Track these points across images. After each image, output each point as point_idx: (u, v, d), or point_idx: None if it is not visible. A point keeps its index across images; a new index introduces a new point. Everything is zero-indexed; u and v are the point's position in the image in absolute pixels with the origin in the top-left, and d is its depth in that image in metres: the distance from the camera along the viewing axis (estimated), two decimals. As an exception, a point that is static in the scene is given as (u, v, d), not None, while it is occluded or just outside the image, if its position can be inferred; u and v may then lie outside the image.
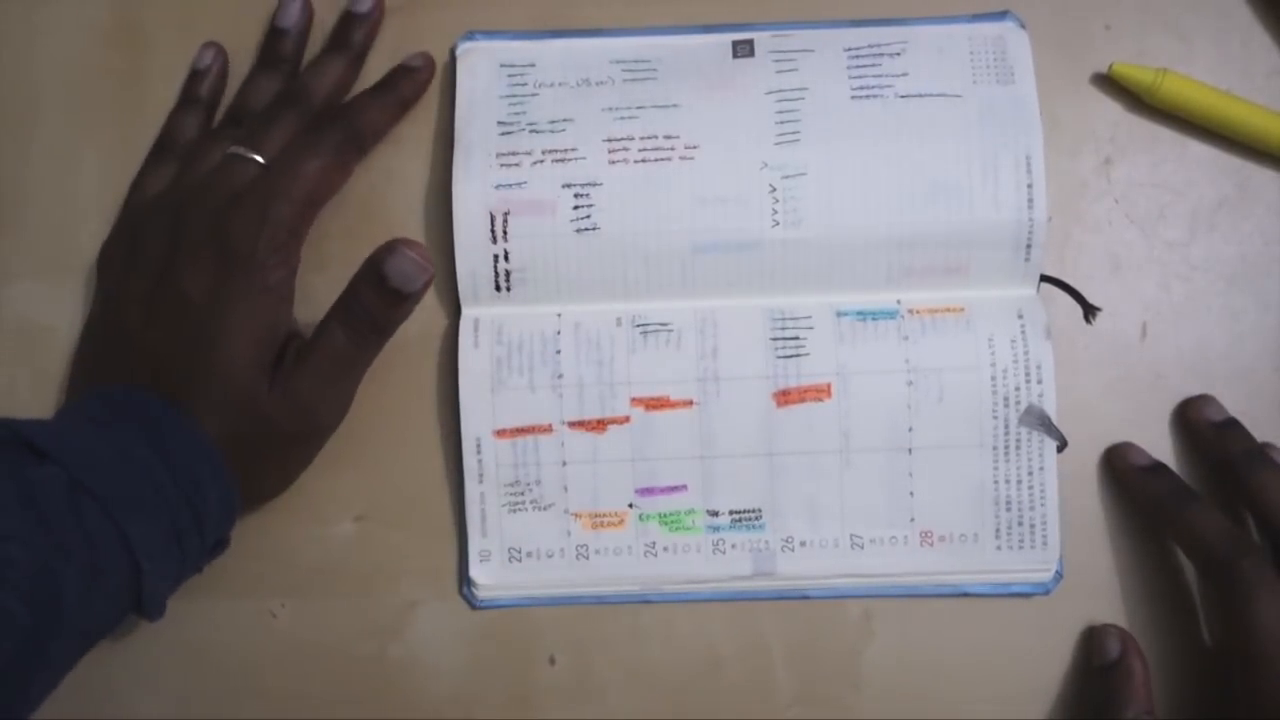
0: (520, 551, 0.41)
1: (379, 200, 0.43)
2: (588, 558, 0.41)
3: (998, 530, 0.41)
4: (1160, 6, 0.44)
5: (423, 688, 0.41)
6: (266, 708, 0.41)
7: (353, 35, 0.43)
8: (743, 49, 0.43)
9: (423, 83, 0.43)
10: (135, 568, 0.34)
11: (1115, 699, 0.39)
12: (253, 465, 0.38)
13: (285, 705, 0.41)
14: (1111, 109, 0.44)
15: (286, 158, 0.40)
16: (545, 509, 0.41)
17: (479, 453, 0.41)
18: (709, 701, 0.41)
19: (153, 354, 0.38)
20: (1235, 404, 0.42)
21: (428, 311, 0.41)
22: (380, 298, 0.37)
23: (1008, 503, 0.41)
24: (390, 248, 0.37)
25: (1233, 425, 0.41)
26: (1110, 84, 0.44)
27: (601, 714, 0.41)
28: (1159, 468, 0.41)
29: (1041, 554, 0.41)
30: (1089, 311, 0.43)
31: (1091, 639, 0.41)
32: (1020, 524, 0.41)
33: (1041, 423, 0.40)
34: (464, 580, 0.42)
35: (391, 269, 0.37)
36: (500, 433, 0.41)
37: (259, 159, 0.40)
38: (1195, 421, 0.42)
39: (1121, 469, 0.42)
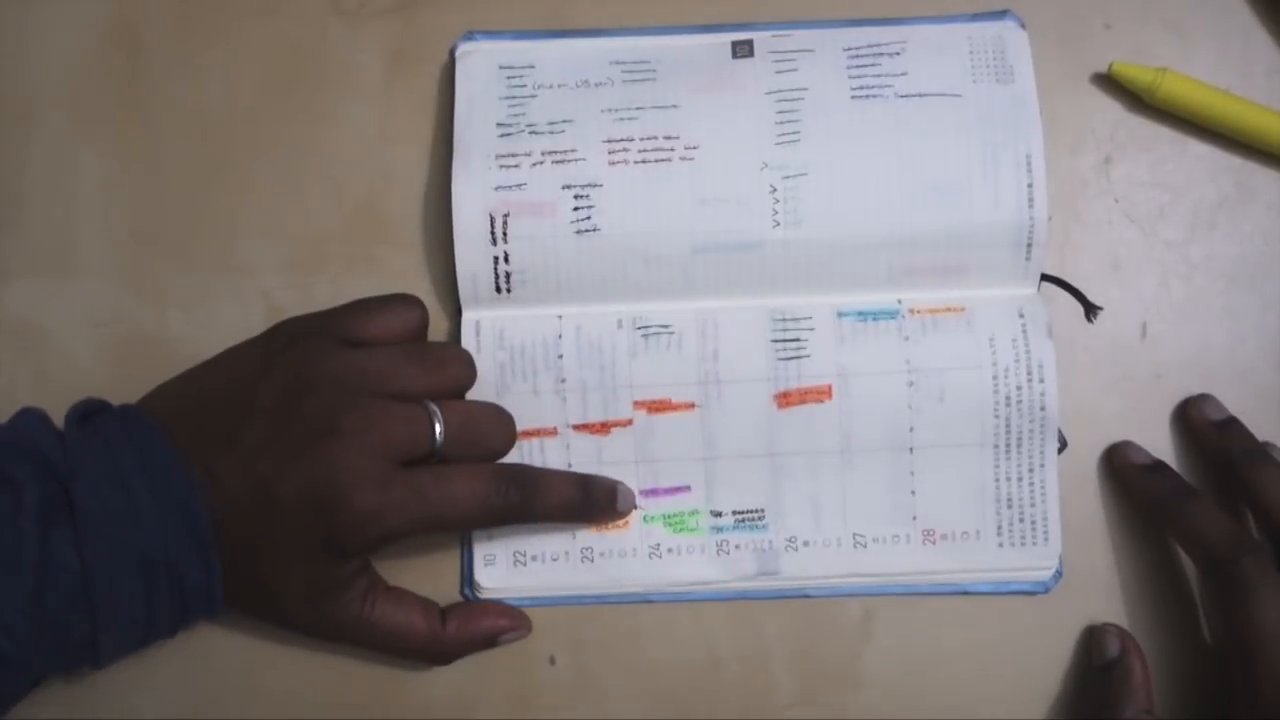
0: (525, 555, 0.41)
1: (379, 201, 0.43)
2: (593, 560, 0.41)
3: (999, 528, 0.41)
4: (1160, 5, 0.44)
5: (423, 687, 0.41)
6: (267, 708, 0.41)
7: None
8: (742, 49, 0.43)
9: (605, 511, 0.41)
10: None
11: (1115, 698, 0.39)
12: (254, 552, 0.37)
13: (285, 705, 0.41)
14: (1111, 108, 0.44)
15: (456, 474, 0.38)
16: None
17: None
18: (709, 701, 0.41)
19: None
20: (1236, 403, 0.42)
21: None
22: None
23: (1009, 500, 0.41)
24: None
25: (1233, 424, 0.41)
26: (1110, 83, 0.44)
27: (601, 714, 0.41)
28: (1159, 466, 0.41)
29: (1043, 550, 0.41)
30: (1090, 310, 0.42)
31: (1091, 638, 0.41)
32: (1021, 521, 0.41)
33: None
34: (466, 581, 0.42)
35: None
36: None
37: (438, 439, 0.37)
38: (1195, 420, 0.42)
39: (1122, 468, 0.42)
